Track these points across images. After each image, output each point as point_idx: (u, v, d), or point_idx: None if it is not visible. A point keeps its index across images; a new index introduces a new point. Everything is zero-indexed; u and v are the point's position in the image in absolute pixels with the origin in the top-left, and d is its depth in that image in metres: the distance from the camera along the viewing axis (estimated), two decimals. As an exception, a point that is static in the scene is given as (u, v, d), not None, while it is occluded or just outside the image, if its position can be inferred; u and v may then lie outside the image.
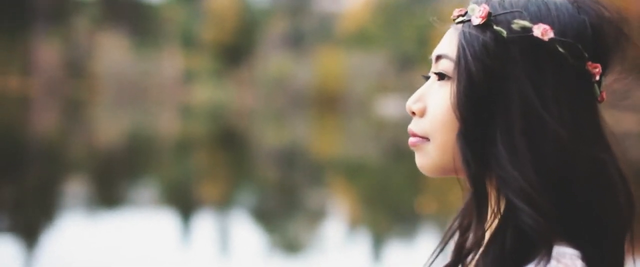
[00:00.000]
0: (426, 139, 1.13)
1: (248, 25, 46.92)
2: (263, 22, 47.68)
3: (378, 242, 9.82)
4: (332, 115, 38.24)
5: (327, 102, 40.72)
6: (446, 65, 1.12)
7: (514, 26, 1.08)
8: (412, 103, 1.15)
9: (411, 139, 1.15)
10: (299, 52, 44.73)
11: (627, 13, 1.14)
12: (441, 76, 1.13)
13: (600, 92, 1.11)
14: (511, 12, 1.09)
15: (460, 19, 1.14)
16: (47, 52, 42.17)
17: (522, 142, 1.05)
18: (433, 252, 1.26)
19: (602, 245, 1.07)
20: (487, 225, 1.10)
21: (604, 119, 1.11)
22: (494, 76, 1.07)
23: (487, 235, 1.11)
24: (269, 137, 25.95)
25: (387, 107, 37.47)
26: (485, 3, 1.12)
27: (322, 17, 48.13)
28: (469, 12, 1.12)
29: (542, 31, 1.07)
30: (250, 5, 49.67)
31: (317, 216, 11.53)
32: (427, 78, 1.17)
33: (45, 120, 27.93)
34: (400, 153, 20.36)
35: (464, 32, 1.10)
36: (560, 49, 1.07)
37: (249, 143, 23.47)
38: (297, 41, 46.30)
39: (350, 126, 32.83)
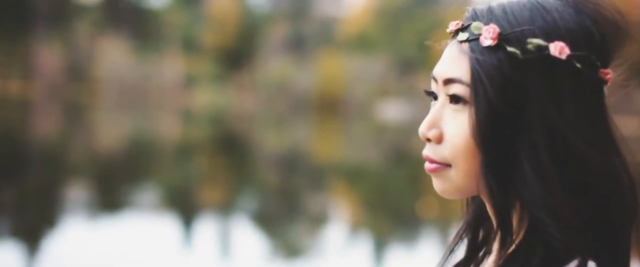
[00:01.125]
0: (447, 165, 1.11)
1: (249, 30, 46.94)
2: (264, 26, 47.69)
3: (379, 245, 9.82)
4: (333, 119, 38.24)
5: (328, 106, 40.72)
6: (460, 90, 1.09)
7: (529, 46, 1.05)
8: (427, 130, 1.12)
9: (429, 166, 1.12)
10: (300, 57, 44.73)
11: (627, 13, 1.13)
12: (456, 99, 1.10)
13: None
14: (521, 30, 1.06)
15: (463, 36, 1.11)
16: (49, 55, 42.19)
17: (548, 163, 1.04)
18: (444, 255, 1.26)
19: (614, 253, 1.08)
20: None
21: (614, 121, 1.12)
22: (513, 101, 1.05)
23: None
24: (270, 141, 25.96)
25: (388, 111, 37.48)
26: (490, 19, 1.09)
27: (322, 22, 48.14)
28: (472, 29, 1.09)
29: (559, 50, 1.05)
30: (251, 9, 49.69)
31: (318, 220, 11.54)
32: (430, 93, 1.15)
33: (46, 124, 27.95)
34: (401, 157, 20.37)
35: (476, 59, 1.07)
36: (577, 65, 1.06)
37: (250, 147, 23.47)
38: (298, 45, 46.31)
39: (351, 130, 32.83)
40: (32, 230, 9.38)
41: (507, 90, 1.05)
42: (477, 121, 1.06)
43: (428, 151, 1.12)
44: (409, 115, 33.60)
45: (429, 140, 1.12)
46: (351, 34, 45.28)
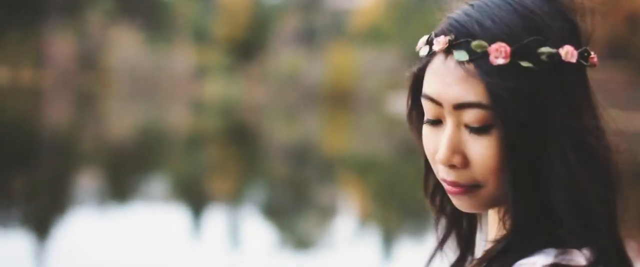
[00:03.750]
0: (477, 186, 1.09)
1: (260, 21, 46.94)
2: (275, 18, 47.69)
3: (388, 238, 9.83)
4: (343, 111, 38.22)
5: (339, 99, 40.69)
6: (480, 114, 1.05)
7: (542, 57, 1.03)
8: (451, 157, 1.07)
9: (454, 189, 1.10)
10: (311, 48, 44.71)
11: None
12: (477, 124, 1.06)
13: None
14: (528, 41, 1.03)
15: (462, 55, 1.05)
16: (61, 45, 42.30)
17: (578, 165, 1.04)
18: (435, 247, 1.28)
19: (615, 244, 1.08)
20: (498, 234, 1.12)
21: (596, 94, 1.10)
22: (538, 115, 1.03)
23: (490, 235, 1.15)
24: (280, 133, 25.97)
25: (398, 104, 37.39)
26: (486, 34, 1.04)
27: (334, 14, 48.10)
28: (474, 48, 1.04)
29: (570, 54, 1.04)
30: (263, 0, 49.69)
31: (327, 212, 11.55)
32: (430, 122, 1.12)
33: (57, 113, 28.04)
34: (411, 150, 20.33)
35: (493, 82, 1.03)
36: (583, 62, 1.06)
37: (260, 139, 23.49)
38: (309, 37, 46.28)
39: (361, 123, 32.82)
40: (42, 219, 9.43)
41: (530, 107, 1.03)
42: (509, 144, 1.04)
43: (452, 175, 1.09)
44: (419, 108, 33.47)
45: (452, 166, 1.09)
46: (362, 26, 45.21)
